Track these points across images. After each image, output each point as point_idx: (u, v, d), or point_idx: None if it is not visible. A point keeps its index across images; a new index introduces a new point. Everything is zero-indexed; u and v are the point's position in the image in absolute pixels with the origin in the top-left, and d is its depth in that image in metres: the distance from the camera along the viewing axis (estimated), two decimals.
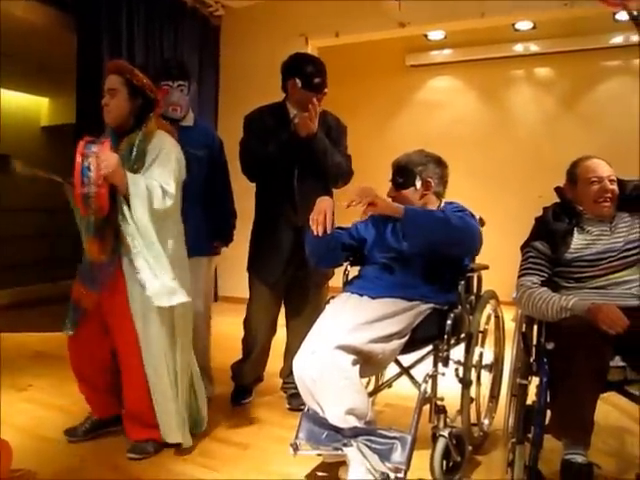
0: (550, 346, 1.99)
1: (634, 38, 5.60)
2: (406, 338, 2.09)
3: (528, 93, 6.21)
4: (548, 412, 1.93)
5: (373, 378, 2.73)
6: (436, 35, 6.22)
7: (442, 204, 2.44)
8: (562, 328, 1.95)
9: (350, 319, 2.05)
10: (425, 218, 2.18)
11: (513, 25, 5.82)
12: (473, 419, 2.46)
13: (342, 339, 1.97)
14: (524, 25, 5.81)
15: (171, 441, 2.40)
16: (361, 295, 2.22)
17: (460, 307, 2.20)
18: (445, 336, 2.10)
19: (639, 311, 1.98)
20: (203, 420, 2.57)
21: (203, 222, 2.86)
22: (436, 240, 2.16)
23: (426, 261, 2.23)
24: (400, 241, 2.31)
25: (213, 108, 5.87)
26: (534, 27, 5.83)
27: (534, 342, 2.18)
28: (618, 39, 5.61)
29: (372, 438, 1.95)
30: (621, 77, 5.77)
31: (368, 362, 2.03)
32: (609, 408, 2.81)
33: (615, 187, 2.17)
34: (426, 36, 6.27)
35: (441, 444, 2.06)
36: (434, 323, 2.14)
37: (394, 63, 6.62)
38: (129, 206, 2.17)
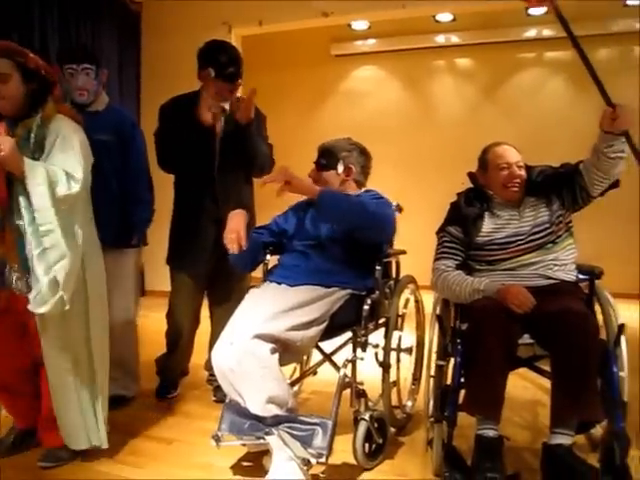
0: (464, 327, 2.06)
1: (546, 32, 5.86)
2: (325, 324, 2.11)
3: (450, 83, 6.38)
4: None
5: (298, 366, 2.75)
6: (360, 25, 6.29)
7: (360, 191, 2.46)
8: (473, 309, 2.02)
9: (268, 308, 2.05)
10: (340, 201, 2.22)
11: (434, 17, 5.95)
12: (395, 402, 2.51)
13: (260, 328, 1.96)
14: (444, 17, 5.96)
15: (75, 447, 2.24)
16: (279, 283, 2.23)
17: (378, 292, 2.23)
18: (363, 321, 2.13)
19: (546, 291, 2.07)
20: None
21: (117, 211, 2.76)
22: (349, 223, 2.20)
23: (343, 247, 2.26)
24: (318, 228, 2.33)
25: (135, 97, 5.72)
26: (454, 19, 5.99)
27: (451, 324, 2.25)
28: (532, 33, 5.85)
29: (293, 425, 1.97)
30: (535, 69, 6.03)
31: (287, 350, 2.04)
32: (526, 383, 2.95)
33: (523, 172, 2.25)
34: (350, 26, 6.32)
35: (362, 427, 2.09)
36: (352, 309, 2.17)
37: (319, 53, 6.63)
38: (27, 194, 2.00)
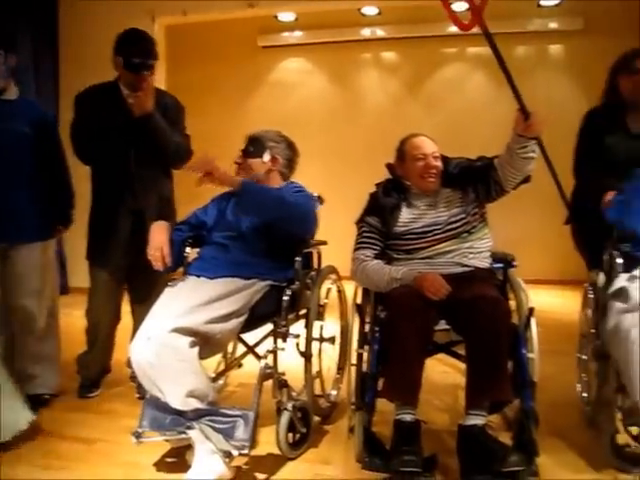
0: (383, 315, 2.10)
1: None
2: (244, 316, 2.11)
3: (375, 76, 6.46)
4: None
5: (222, 359, 2.73)
6: (287, 17, 6.27)
7: (283, 183, 2.47)
8: (391, 297, 2.06)
9: (186, 301, 2.03)
10: (261, 193, 2.23)
11: (360, 10, 6.01)
12: (320, 391, 2.54)
13: (178, 322, 1.94)
14: (370, 10, 6.03)
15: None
16: (199, 276, 2.21)
17: (298, 283, 2.25)
18: (282, 312, 2.14)
19: (461, 278, 2.14)
20: None
21: (33, 204, 2.66)
22: (270, 215, 2.21)
23: (263, 239, 2.26)
24: (239, 219, 2.32)
25: (53, 86, 5.48)
26: (379, 13, 6.07)
27: (371, 313, 2.29)
28: (454, 28, 5.95)
29: (215, 418, 1.96)
30: (458, 63, 6.20)
31: (207, 343, 2.02)
32: (446, 368, 3.04)
33: (439, 163, 2.30)
34: (277, 17, 6.29)
35: (285, 418, 2.10)
36: (273, 300, 2.17)
37: (246, 44, 6.57)
38: None
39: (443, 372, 3.00)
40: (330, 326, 2.60)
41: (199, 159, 2.17)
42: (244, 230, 2.29)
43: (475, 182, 2.27)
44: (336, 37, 6.36)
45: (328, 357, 2.63)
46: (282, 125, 6.46)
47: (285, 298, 2.14)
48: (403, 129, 5.21)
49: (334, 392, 2.68)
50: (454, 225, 2.24)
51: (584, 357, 2.60)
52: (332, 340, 2.54)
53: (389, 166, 2.42)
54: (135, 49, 2.56)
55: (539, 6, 5.83)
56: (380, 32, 6.30)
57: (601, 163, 2.56)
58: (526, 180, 2.19)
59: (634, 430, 1.94)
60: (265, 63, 6.67)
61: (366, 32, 6.33)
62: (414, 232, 2.24)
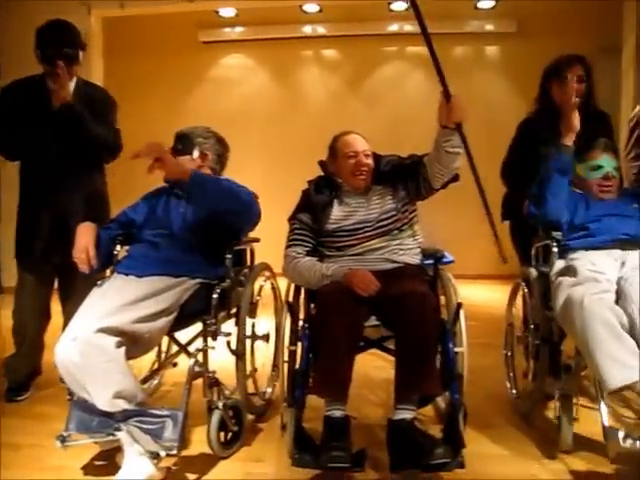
0: (314, 312, 2.10)
1: (407, 27, 6.12)
2: (174, 315, 2.07)
3: (317, 73, 6.49)
4: None
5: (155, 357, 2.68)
6: (227, 12, 6.21)
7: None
8: (320, 294, 2.07)
9: (113, 301, 1.98)
10: (211, 183, 2.21)
11: (301, 7, 6.01)
12: (254, 389, 2.53)
13: (104, 322, 1.90)
14: (311, 7, 6.03)
15: None
16: (127, 275, 2.16)
17: (229, 280, 2.22)
18: (212, 310, 2.12)
19: (391, 274, 2.16)
20: None
21: None
22: (220, 206, 2.18)
23: (194, 236, 2.23)
24: (169, 217, 2.29)
25: None
26: (320, 10, 6.08)
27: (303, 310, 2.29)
28: (394, 27, 6.09)
29: (143, 419, 1.92)
30: (397, 62, 6.28)
31: (136, 342, 1.98)
32: (381, 363, 3.07)
33: (370, 161, 2.32)
34: (218, 13, 6.22)
35: (216, 417, 2.08)
36: (203, 298, 2.14)
37: (186, 39, 6.48)
38: None
39: (379, 367, 3.03)
40: (265, 323, 2.59)
41: (147, 145, 2.10)
42: (174, 227, 2.26)
43: (405, 180, 2.29)
44: (277, 34, 6.35)
45: (263, 355, 2.62)
46: (223, 121, 6.43)
47: (215, 296, 2.12)
48: (344, 126, 5.25)
49: (269, 390, 2.67)
50: (385, 222, 2.26)
51: (509, 353, 2.69)
52: (266, 337, 2.52)
53: (321, 163, 2.43)
54: (48, 39, 2.51)
55: (476, 8, 5.98)
56: (321, 30, 6.33)
57: (533, 174, 2.59)
58: (454, 179, 2.22)
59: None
60: (206, 59, 6.60)
61: (307, 29, 6.35)
62: (345, 229, 2.25)
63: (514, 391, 2.66)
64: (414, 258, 2.29)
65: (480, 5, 5.92)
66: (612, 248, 2.18)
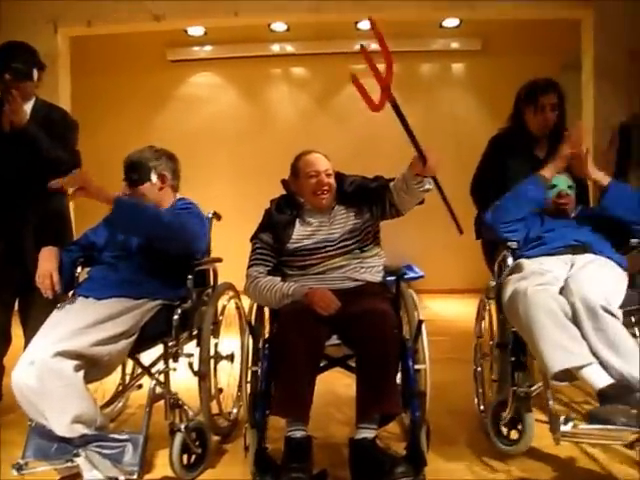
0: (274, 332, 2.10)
1: (374, 46, 6.18)
2: (134, 337, 2.05)
3: (285, 91, 6.54)
4: None
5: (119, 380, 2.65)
6: (196, 31, 6.23)
7: (175, 199, 2.44)
8: (281, 314, 2.07)
9: (72, 323, 1.97)
10: (135, 211, 2.15)
11: (269, 26, 6.06)
12: (220, 409, 2.51)
13: (62, 345, 1.88)
14: (279, 26, 6.08)
15: None
16: (87, 297, 2.13)
17: (190, 301, 2.21)
18: (173, 331, 2.10)
19: (353, 292, 2.17)
20: None
21: None
22: (144, 234, 2.18)
23: (154, 257, 2.21)
24: (129, 238, 2.28)
25: None
26: (288, 29, 6.13)
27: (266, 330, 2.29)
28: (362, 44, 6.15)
29: (103, 444, 1.90)
30: (366, 80, 6.28)
31: (95, 366, 1.96)
32: (349, 381, 3.06)
33: (332, 180, 2.33)
34: (186, 31, 6.24)
35: (178, 439, 2.06)
36: (164, 319, 2.12)
37: (155, 57, 6.48)
38: None
39: (346, 384, 3.02)
40: (230, 343, 2.58)
41: (72, 175, 2.11)
42: (134, 248, 2.25)
43: (370, 202, 2.31)
44: (246, 52, 6.39)
45: (229, 375, 2.60)
46: (192, 140, 6.43)
47: (175, 317, 2.10)
48: (313, 144, 5.28)
49: (235, 410, 2.66)
50: (347, 242, 2.27)
51: (479, 369, 2.70)
52: (231, 357, 2.51)
53: (284, 182, 2.44)
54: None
55: (441, 26, 6.08)
56: (289, 48, 6.38)
57: (503, 190, 2.61)
58: (420, 202, 2.25)
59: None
60: (174, 77, 6.59)
61: (276, 48, 6.40)
62: (307, 248, 2.26)
63: (482, 407, 2.66)
64: (376, 276, 2.29)
65: (445, 24, 6.03)
66: (564, 254, 2.23)
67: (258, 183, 6.11)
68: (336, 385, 2.91)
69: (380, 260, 2.35)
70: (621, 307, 1.94)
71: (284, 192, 2.46)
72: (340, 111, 6.27)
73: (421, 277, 5.50)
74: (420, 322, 2.13)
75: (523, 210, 2.40)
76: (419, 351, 2.13)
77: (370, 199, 2.31)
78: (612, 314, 1.80)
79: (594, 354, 1.76)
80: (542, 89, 2.68)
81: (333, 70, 6.26)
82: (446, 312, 5.36)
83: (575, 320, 1.82)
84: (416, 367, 2.08)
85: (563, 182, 2.48)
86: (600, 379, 1.73)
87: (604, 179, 2.38)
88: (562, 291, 1.97)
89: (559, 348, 1.77)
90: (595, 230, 2.36)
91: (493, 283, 2.45)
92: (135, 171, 2.34)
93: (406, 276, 5.57)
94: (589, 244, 2.24)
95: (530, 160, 2.67)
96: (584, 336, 1.78)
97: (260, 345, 2.14)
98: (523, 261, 2.21)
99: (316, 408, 2.69)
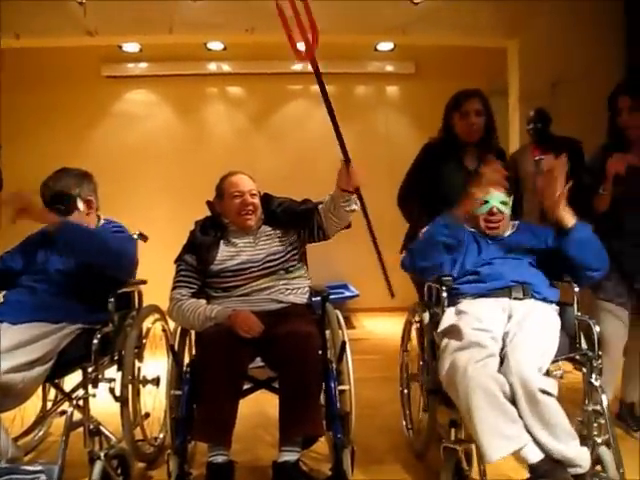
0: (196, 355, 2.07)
1: (311, 67, 6.27)
2: (51, 363, 1.98)
3: (222, 110, 6.51)
4: None
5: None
6: (131, 47, 6.14)
7: (101, 221, 2.39)
8: (203, 337, 2.06)
9: None
10: (81, 235, 2.09)
11: (205, 44, 6.05)
12: (147, 435, 2.47)
13: None
14: (215, 45, 6.08)
15: None
16: (1, 322, 2.05)
17: (111, 325, 2.17)
18: (92, 356, 2.04)
19: (277, 314, 2.18)
20: None
21: None
22: (89, 260, 2.12)
23: (74, 280, 2.17)
24: (48, 261, 2.22)
25: None
26: (225, 48, 6.14)
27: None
28: (298, 66, 6.24)
29: (14, 477, 1.81)
30: (301, 100, 6.40)
31: (7, 394, 1.88)
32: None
33: (256, 201, 2.35)
34: (121, 47, 6.15)
35: (97, 468, 1.98)
36: (83, 344, 2.06)
37: (89, 72, 6.34)
38: None
39: (276, 406, 3.00)
40: (156, 366, 2.53)
41: (13, 194, 2.01)
42: (53, 272, 2.19)
43: (298, 225, 2.33)
44: (182, 70, 6.34)
45: (156, 399, 2.55)
46: (127, 157, 6.30)
47: (95, 341, 2.04)
48: (248, 163, 5.29)
49: (162, 435, 2.60)
50: (271, 263, 2.28)
51: (405, 391, 2.72)
52: (156, 381, 2.46)
53: (209, 203, 2.43)
54: None
55: (376, 50, 6.22)
56: (226, 67, 6.38)
57: (434, 196, 2.69)
58: (347, 226, 2.29)
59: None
60: (109, 93, 6.47)
61: (212, 67, 6.38)
62: (231, 269, 2.25)
63: (410, 428, 2.68)
64: (301, 297, 2.31)
65: (380, 47, 6.17)
66: (501, 296, 2.15)
67: (192, 202, 6.01)
68: (266, 406, 2.88)
69: (306, 281, 2.37)
70: (554, 359, 1.94)
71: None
72: (276, 131, 6.31)
73: (356, 296, 5.55)
74: (344, 343, 2.15)
75: (439, 254, 2.25)
76: (343, 372, 2.14)
77: (298, 221, 2.33)
78: (549, 393, 1.76)
79: (529, 431, 1.74)
80: (466, 95, 2.77)
81: (269, 90, 6.30)
82: (380, 330, 5.42)
83: (513, 399, 1.77)
84: (340, 388, 2.09)
85: (496, 198, 2.32)
86: (533, 455, 1.72)
87: (570, 219, 2.13)
88: (503, 360, 1.87)
89: (497, 435, 1.71)
90: (532, 263, 2.27)
91: (427, 316, 2.41)
92: (60, 202, 2.25)
93: (341, 295, 5.66)
94: (527, 284, 2.16)
95: (459, 169, 2.73)
96: (520, 414, 1.75)
97: (183, 369, 2.11)
98: (462, 323, 2.02)
99: (245, 430, 2.70)
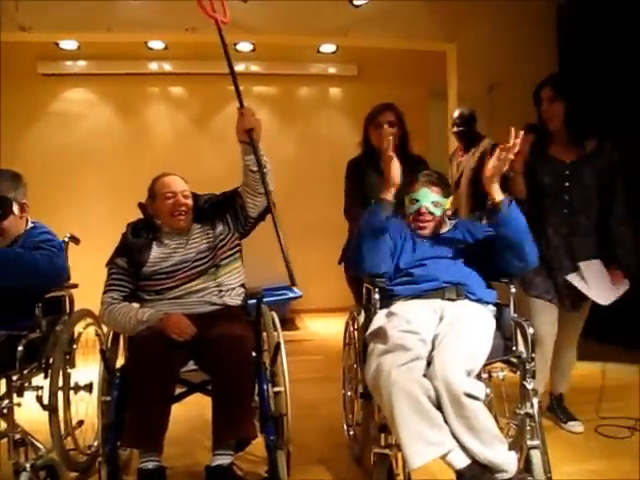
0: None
1: (254, 67, 6.29)
2: None
3: (163, 110, 6.40)
4: None
5: None
6: (69, 45, 5.96)
7: (29, 224, 2.32)
8: (134, 341, 2.02)
9: None
10: (4, 262, 2.07)
11: (146, 43, 5.93)
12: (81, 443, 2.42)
13: None
14: (156, 44, 5.97)
15: None
16: None
17: (39, 330, 2.10)
18: (17, 363, 1.98)
19: (211, 317, 2.15)
20: None
21: None
22: (14, 284, 2.08)
23: None
24: None
25: None
26: (166, 47, 6.04)
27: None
28: (240, 67, 6.21)
29: None
30: (244, 100, 6.34)
31: None
32: None
33: (189, 201, 2.33)
34: (58, 45, 5.97)
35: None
36: (7, 351, 2.00)
37: (25, 70, 6.11)
38: None
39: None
40: (90, 372, 2.46)
41: None
42: None
43: (223, 213, 2.34)
44: (122, 69, 6.18)
45: (89, 406, 2.49)
46: (65, 158, 6.11)
47: (20, 348, 1.98)
48: (190, 164, 5.21)
49: (96, 443, 2.53)
50: (201, 262, 2.26)
51: (349, 393, 2.72)
52: (89, 388, 2.40)
53: (141, 205, 2.39)
54: None
55: (319, 52, 6.23)
56: (167, 67, 6.27)
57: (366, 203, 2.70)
58: (269, 210, 2.24)
59: None
60: (46, 92, 6.26)
61: (153, 66, 6.26)
62: (163, 271, 2.22)
63: (350, 430, 2.68)
64: (236, 299, 2.29)
65: (322, 49, 6.18)
66: (434, 297, 2.13)
67: (133, 204, 5.91)
68: (205, 409, 2.80)
69: (238, 279, 2.35)
70: (487, 360, 1.91)
71: None
72: (218, 132, 6.22)
73: (299, 297, 5.55)
74: (278, 344, 2.15)
75: (377, 243, 2.17)
76: (278, 373, 2.13)
77: (222, 210, 2.35)
78: (475, 397, 1.73)
79: (455, 436, 1.71)
80: (379, 109, 2.91)
81: (211, 90, 6.21)
82: (323, 331, 5.44)
83: (439, 403, 1.74)
84: (275, 390, 2.08)
85: (426, 197, 2.28)
86: (459, 461, 1.69)
87: (499, 193, 2.11)
88: (430, 362, 1.83)
89: (420, 440, 1.68)
90: (468, 261, 2.25)
91: (362, 317, 2.35)
92: None
93: (285, 296, 5.65)
94: (461, 285, 2.14)
95: (381, 179, 2.79)
96: (446, 420, 1.72)
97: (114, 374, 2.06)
98: (389, 325, 1.98)
99: (183, 433, 2.67)
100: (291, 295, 5.60)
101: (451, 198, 2.42)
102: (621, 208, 2.62)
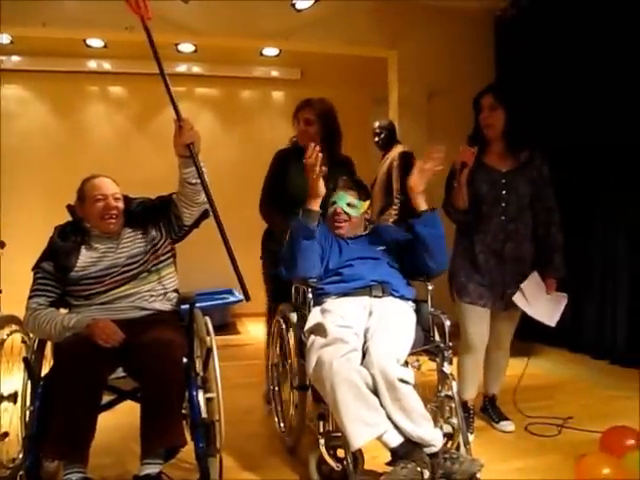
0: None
1: (195, 69, 6.22)
2: None
3: (102, 110, 6.25)
4: None
5: None
6: (0, 39, 5.73)
7: None
8: (59, 348, 1.95)
9: None
10: None
11: (85, 41, 5.77)
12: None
13: None
14: (96, 42, 5.81)
15: None
16: None
17: None
18: None
19: (141, 322, 2.11)
20: None
21: None
22: None
23: None
24: None
25: None
26: (105, 46, 5.89)
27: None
28: (182, 68, 6.15)
29: None
30: (185, 102, 6.24)
31: None
32: None
33: (120, 204, 2.27)
34: None
35: None
36: None
37: None
38: None
39: None
40: (14, 382, 2.36)
41: None
42: None
43: (156, 219, 2.30)
44: (59, 66, 6.00)
45: (15, 417, 2.38)
46: (2, 156, 5.79)
47: None
48: (129, 165, 5.10)
49: (21, 455, 2.42)
50: (132, 266, 2.21)
51: (276, 388, 2.77)
52: (14, 398, 2.30)
53: (69, 208, 2.32)
54: None
55: (261, 55, 6.22)
56: (107, 65, 6.13)
57: (285, 197, 2.85)
58: (204, 215, 2.27)
59: (339, 452, 2.10)
60: None
61: (92, 64, 6.12)
62: (92, 276, 2.16)
63: (282, 425, 2.72)
64: (167, 304, 2.25)
65: (265, 52, 6.16)
66: (362, 295, 2.31)
67: (61, 204, 5.76)
68: (136, 417, 2.75)
69: (172, 284, 2.31)
70: (411, 350, 2.14)
71: None
72: (157, 133, 6.09)
73: (240, 301, 5.51)
74: (209, 350, 2.11)
75: (308, 249, 2.29)
76: (211, 379, 2.10)
77: (155, 215, 2.31)
78: (406, 382, 1.94)
79: (390, 418, 1.91)
80: (299, 105, 3.05)
81: (152, 91, 6.07)
82: (265, 335, 5.40)
83: (375, 389, 1.93)
84: (207, 396, 2.05)
85: (342, 199, 2.48)
86: (393, 440, 1.89)
87: (424, 204, 2.36)
88: (365, 354, 2.02)
89: (360, 423, 1.86)
90: (391, 263, 2.44)
91: (294, 314, 2.50)
92: None
93: (226, 300, 5.58)
94: (386, 283, 2.34)
95: (302, 171, 2.81)
96: (382, 404, 1.91)
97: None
98: (327, 320, 2.14)
99: (115, 442, 2.60)
100: (232, 299, 5.55)
101: (369, 202, 2.59)
102: (557, 216, 2.71)
